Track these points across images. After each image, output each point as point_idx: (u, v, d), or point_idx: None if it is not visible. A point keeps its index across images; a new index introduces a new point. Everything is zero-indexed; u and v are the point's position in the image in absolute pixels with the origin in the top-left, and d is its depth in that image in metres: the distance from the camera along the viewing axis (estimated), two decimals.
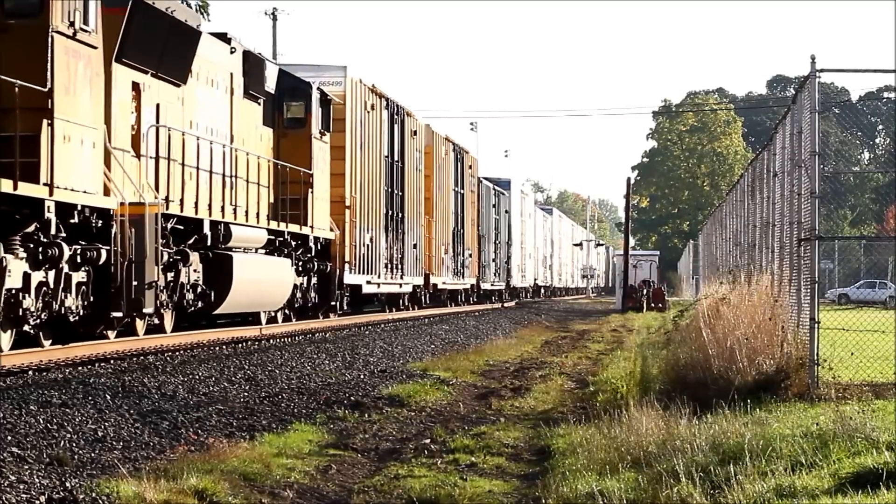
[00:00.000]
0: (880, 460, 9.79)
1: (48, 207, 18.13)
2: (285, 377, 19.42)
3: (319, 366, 21.60)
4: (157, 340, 22.75)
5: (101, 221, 19.96)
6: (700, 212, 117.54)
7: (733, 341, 16.84)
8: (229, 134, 26.92)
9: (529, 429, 15.50)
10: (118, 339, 21.53)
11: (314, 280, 32.68)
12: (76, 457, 11.51)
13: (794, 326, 17.41)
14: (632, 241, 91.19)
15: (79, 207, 19.13)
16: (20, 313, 17.87)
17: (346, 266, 34.86)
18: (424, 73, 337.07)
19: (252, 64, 28.29)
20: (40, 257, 18.20)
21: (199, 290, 24.64)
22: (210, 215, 25.03)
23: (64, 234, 18.81)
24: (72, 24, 18.57)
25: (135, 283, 20.42)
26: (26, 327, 18.30)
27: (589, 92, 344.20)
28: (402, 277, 42.56)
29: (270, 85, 30.21)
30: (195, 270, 24.39)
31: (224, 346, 24.07)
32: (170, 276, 23.17)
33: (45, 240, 18.32)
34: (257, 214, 28.12)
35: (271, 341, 26.35)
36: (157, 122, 22.76)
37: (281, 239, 29.59)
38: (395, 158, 41.75)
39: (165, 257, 22.48)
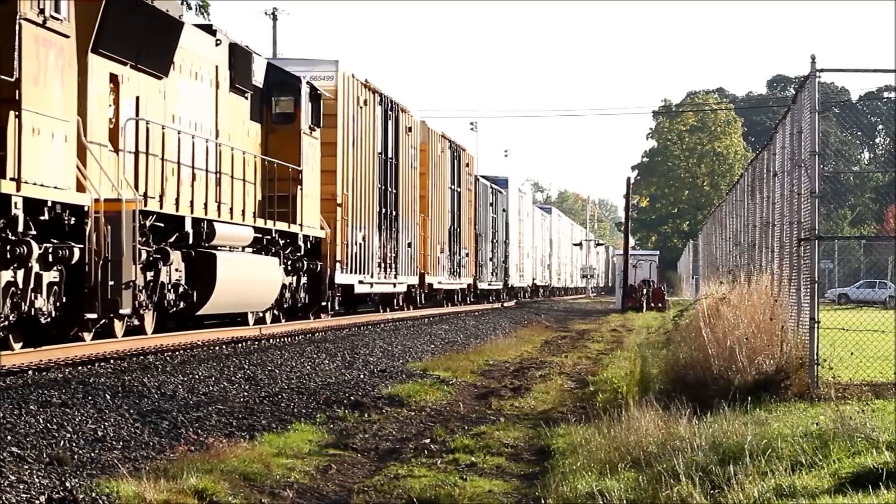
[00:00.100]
0: (880, 460, 9.79)
1: (15, 203, 17.16)
2: (285, 377, 19.41)
3: (319, 365, 21.60)
4: (157, 340, 22.72)
5: (73, 219, 18.99)
6: (700, 212, 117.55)
7: (733, 341, 16.83)
8: (214, 129, 26.12)
9: (529, 429, 15.51)
10: (121, 338, 21.50)
11: (304, 280, 31.80)
12: (76, 456, 11.51)
13: (794, 326, 17.42)
14: (632, 241, 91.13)
15: (49, 203, 18.13)
16: None
17: (338, 265, 34.24)
18: (425, 73, 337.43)
19: (239, 57, 27.45)
20: (8, 256, 17.19)
21: (180, 290, 23.81)
22: (192, 212, 24.22)
23: (34, 232, 17.84)
24: (41, 11, 17.60)
25: (111, 282, 19.53)
26: None
27: (589, 92, 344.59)
28: (396, 277, 41.87)
29: (258, 79, 29.42)
30: (177, 270, 23.55)
31: (224, 346, 24.05)
32: (149, 275, 22.32)
33: (12, 237, 17.32)
34: (243, 212, 27.28)
35: (271, 341, 26.34)
36: (137, 115, 21.95)
37: (268, 237, 28.74)
38: (389, 155, 41.02)
39: (144, 256, 21.64)
